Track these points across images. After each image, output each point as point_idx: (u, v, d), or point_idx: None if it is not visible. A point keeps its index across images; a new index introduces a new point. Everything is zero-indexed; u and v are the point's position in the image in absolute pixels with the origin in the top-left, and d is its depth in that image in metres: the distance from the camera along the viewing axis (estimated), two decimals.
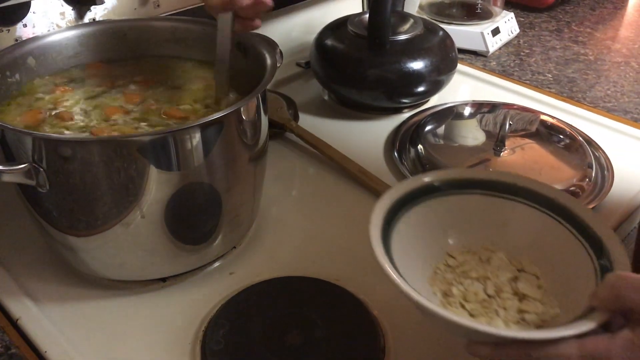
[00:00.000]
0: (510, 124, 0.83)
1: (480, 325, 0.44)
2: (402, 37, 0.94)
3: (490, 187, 0.58)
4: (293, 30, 1.12)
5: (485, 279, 0.54)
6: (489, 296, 0.53)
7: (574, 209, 0.54)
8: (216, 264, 0.68)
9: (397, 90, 0.94)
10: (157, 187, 0.57)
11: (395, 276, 0.46)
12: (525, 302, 0.52)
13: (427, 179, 0.58)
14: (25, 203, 0.61)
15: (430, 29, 0.99)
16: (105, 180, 0.55)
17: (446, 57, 0.96)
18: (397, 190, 0.56)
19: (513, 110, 0.93)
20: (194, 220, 0.62)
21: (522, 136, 0.86)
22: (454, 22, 1.20)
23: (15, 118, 0.63)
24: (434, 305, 0.44)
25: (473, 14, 1.21)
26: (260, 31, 0.67)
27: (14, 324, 0.60)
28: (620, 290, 0.41)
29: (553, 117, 0.91)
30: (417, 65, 0.92)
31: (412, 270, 0.52)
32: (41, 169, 0.54)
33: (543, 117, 0.91)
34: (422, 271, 0.55)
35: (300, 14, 1.12)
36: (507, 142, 0.83)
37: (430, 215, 0.57)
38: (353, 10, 1.20)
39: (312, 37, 1.01)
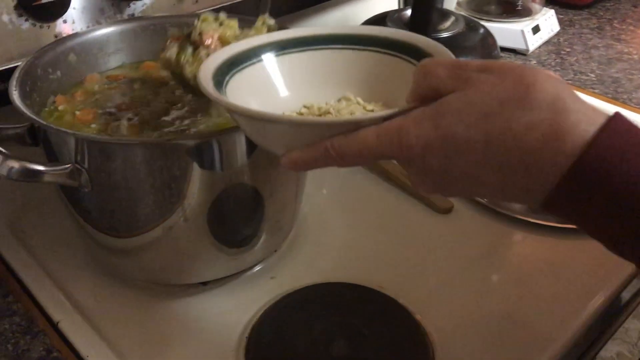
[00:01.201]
0: None
1: (279, 115, 0.45)
2: (444, 34, 0.92)
3: (335, 41, 0.56)
4: None
5: (326, 113, 0.52)
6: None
7: (404, 39, 0.53)
8: (257, 268, 0.66)
9: None
10: (200, 189, 0.55)
11: (210, 89, 0.45)
12: None
13: (267, 39, 0.55)
14: (65, 202, 0.60)
15: (472, 27, 0.97)
16: (148, 182, 0.54)
17: (488, 56, 0.94)
18: (231, 49, 0.54)
19: None
20: (237, 224, 0.61)
21: None
22: (493, 19, 1.16)
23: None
24: (236, 103, 0.44)
25: (513, 10, 1.18)
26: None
27: (54, 326, 0.59)
28: (428, 67, 0.40)
29: None
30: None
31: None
32: (84, 170, 0.53)
33: None
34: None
35: (334, 11, 1.10)
36: None
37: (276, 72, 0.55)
38: (389, 7, 1.18)
39: None
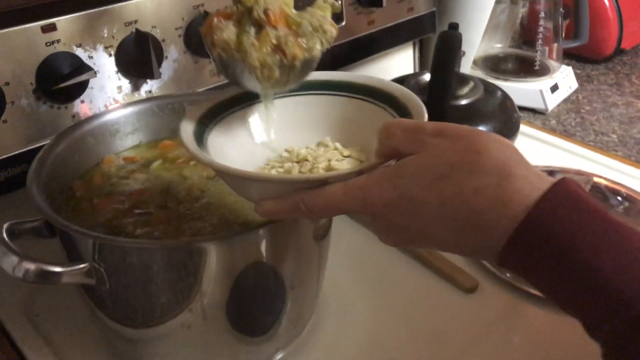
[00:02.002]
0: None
1: (253, 172, 0.47)
2: (463, 101, 0.91)
3: (316, 87, 0.59)
4: None
5: (304, 160, 0.53)
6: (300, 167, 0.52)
7: (382, 87, 0.56)
8: (277, 357, 0.64)
9: None
10: (220, 284, 0.54)
11: (190, 145, 0.48)
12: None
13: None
14: (81, 291, 0.58)
15: (490, 91, 0.96)
16: (166, 280, 0.53)
17: (508, 121, 0.93)
18: (210, 100, 0.56)
19: (578, 176, 0.88)
20: (257, 314, 0.59)
21: None
22: (511, 79, 1.15)
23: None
24: (213, 159, 0.47)
25: (530, 69, 1.17)
26: None
27: None
28: (389, 129, 0.43)
29: (625, 187, 0.86)
30: None
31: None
32: (102, 269, 0.52)
33: (616, 186, 0.86)
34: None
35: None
36: None
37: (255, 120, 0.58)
38: (403, 70, 1.18)
39: None
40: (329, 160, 0.52)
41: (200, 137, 0.52)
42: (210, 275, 0.52)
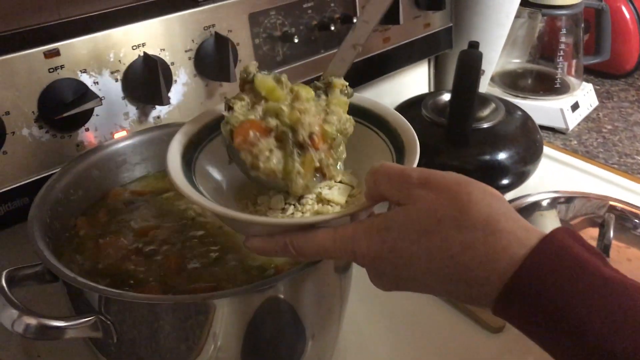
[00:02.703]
0: (612, 231, 0.74)
1: (238, 213, 0.45)
2: (484, 125, 0.87)
3: None
4: None
5: None
6: (290, 204, 0.50)
7: (375, 110, 0.55)
8: None
9: None
10: (235, 339, 0.50)
11: (180, 184, 0.46)
12: (325, 207, 0.50)
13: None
14: (86, 340, 0.54)
15: (510, 111, 0.91)
16: (179, 334, 0.48)
17: (532, 145, 0.88)
18: (196, 122, 0.55)
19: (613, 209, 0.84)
20: None
21: (627, 243, 0.77)
22: (530, 96, 1.11)
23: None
24: (208, 201, 0.45)
25: (550, 87, 1.13)
26: None
27: None
28: (377, 176, 0.43)
29: None
30: (502, 156, 0.84)
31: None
32: (109, 322, 0.48)
33: (634, 209, 0.82)
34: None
35: (363, 93, 1.05)
36: (611, 252, 0.73)
37: None
38: (418, 88, 1.14)
39: None
40: (320, 189, 0.51)
41: (188, 165, 0.51)
42: (226, 329, 0.48)
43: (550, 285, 0.36)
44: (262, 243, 0.45)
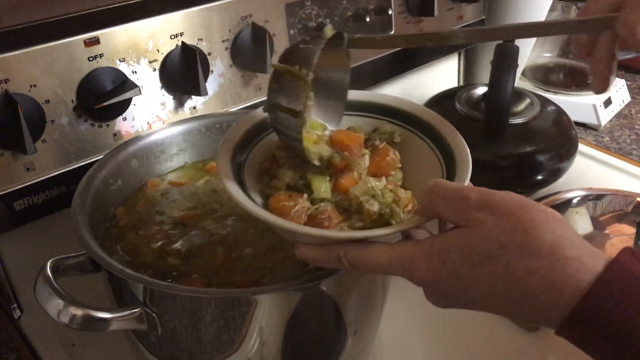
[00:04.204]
0: None
1: (291, 224, 0.44)
2: (519, 120, 0.85)
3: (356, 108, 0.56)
4: None
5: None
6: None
7: (432, 122, 0.53)
8: None
9: (511, 180, 0.84)
10: (274, 334, 0.49)
11: (234, 191, 0.45)
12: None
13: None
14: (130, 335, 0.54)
15: (545, 106, 0.90)
16: (223, 328, 0.48)
17: (567, 141, 0.87)
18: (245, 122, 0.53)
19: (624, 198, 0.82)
20: None
21: None
22: (561, 91, 1.10)
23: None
24: (260, 209, 0.45)
25: (582, 82, 1.11)
26: None
27: None
28: (432, 196, 0.42)
29: None
30: (537, 152, 0.83)
31: None
32: (154, 314, 0.47)
33: None
34: None
35: (392, 86, 1.03)
36: None
37: None
38: (447, 81, 1.12)
39: None
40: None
41: (238, 171, 0.49)
42: (269, 323, 0.48)
43: (617, 312, 0.36)
44: (313, 253, 0.45)
